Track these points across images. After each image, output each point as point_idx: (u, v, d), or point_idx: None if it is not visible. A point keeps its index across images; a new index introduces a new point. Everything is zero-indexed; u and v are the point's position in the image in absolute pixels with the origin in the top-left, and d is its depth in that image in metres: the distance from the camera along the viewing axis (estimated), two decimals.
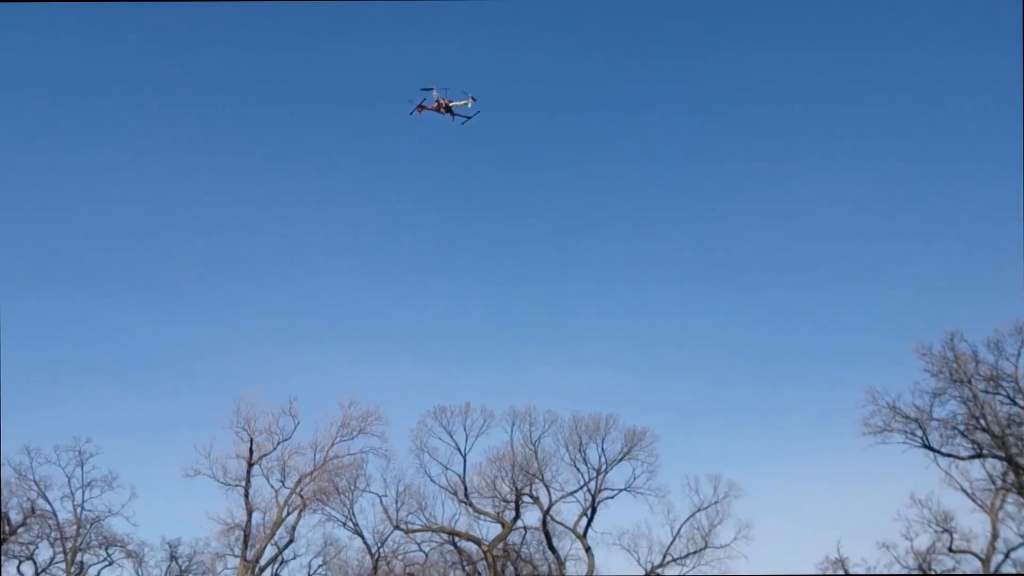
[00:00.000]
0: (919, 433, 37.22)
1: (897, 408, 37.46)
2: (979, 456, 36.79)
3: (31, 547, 52.98)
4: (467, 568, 40.35)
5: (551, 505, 38.62)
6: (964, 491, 37.24)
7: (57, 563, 53.39)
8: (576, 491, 39.12)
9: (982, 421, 36.03)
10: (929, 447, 37.44)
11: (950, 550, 39.69)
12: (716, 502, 39.06)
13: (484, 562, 37.66)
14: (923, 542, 40.48)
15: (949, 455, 37.24)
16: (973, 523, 47.80)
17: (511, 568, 39.61)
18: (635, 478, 39.22)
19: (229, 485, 47.35)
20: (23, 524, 49.11)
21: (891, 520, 40.79)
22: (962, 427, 36.82)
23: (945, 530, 39.39)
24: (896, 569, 41.81)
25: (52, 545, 52.72)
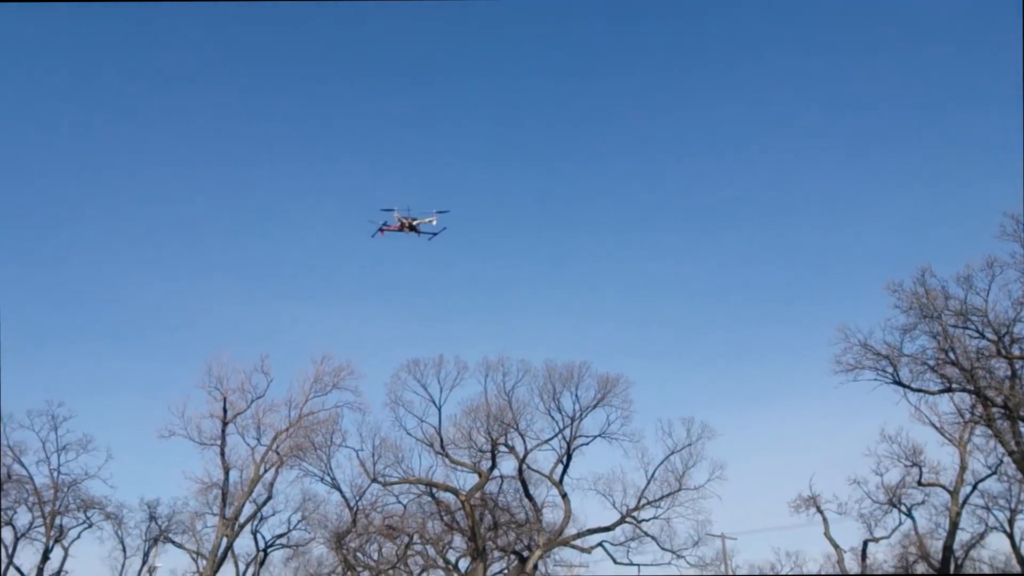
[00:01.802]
0: (890, 370, 37.41)
1: (868, 345, 37.54)
2: (948, 390, 37.05)
3: (9, 513, 52.78)
4: (446, 518, 40.65)
5: (527, 454, 38.80)
6: (933, 425, 37.63)
7: (36, 527, 53.32)
8: (551, 439, 39.28)
9: (951, 355, 36.20)
10: (899, 383, 37.61)
11: (919, 483, 40.29)
12: (690, 444, 39.32)
13: (462, 511, 37.85)
14: (893, 476, 41.08)
15: (919, 390, 37.45)
16: (942, 456, 48.80)
17: (489, 516, 39.91)
18: (609, 424, 39.40)
19: (204, 444, 47.25)
20: (0, 490, 48.84)
21: (862, 456, 41.34)
22: (932, 362, 37.01)
23: (914, 464, 39.91)
24: (866, 504, 42.52)
25: (30, 510, 52.60)
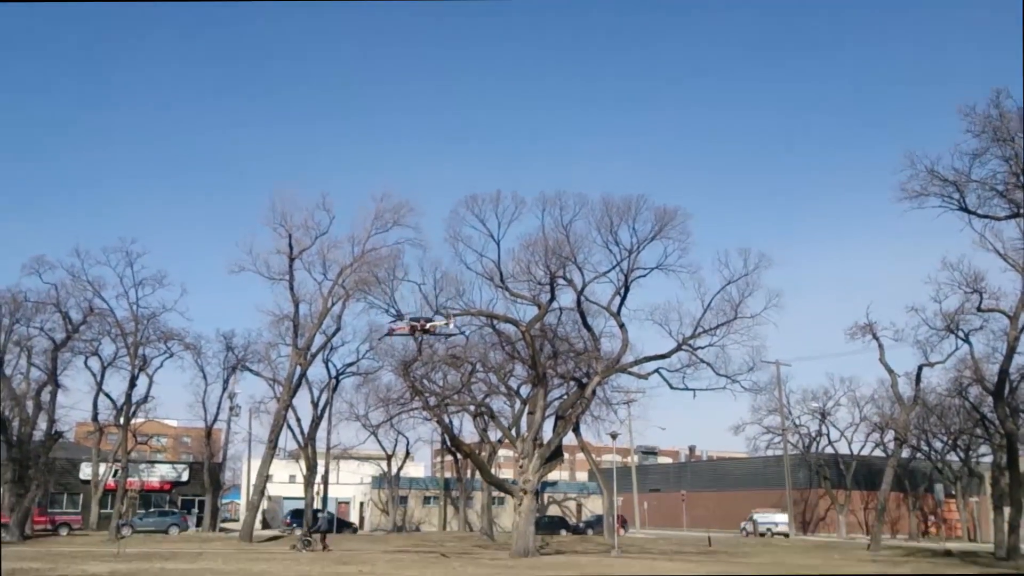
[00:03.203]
0: (956, 196, 36.38)
1: (935, 172, 36.34)
2: (1016, 216, 36.01)
3: (94, 343, 56.09)
4: (507, 348, 41.93)
5: (584, 286, 39.26)
6: (997, 251, 36.80)
7: (121, 357, 56.71)
8: (608, 271, 39.49)
9: (1022, 179, 35.13)
10: (965, 209, 36.66)
11: (979, 309, 40.00)
12: (746, 274, 39.10)
13: (523, 342, 38.90)
14: (952, 304, 40.88)
15: (985, 216, 36.46)
16: (1004, 283, 48.13)
17: (549, 346, 41.02)
18: (666, 256, 39.33)
19: (274, 279, 48.92)
20: (84, 322, 51.64)
21: (921, 285, 41.04)
22: (1001, 187, 35.84)
23: (975, 290, 39.44)
24: (923, 330, 42.60)
25: (114, 341, 55.81)
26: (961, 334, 42.31)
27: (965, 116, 34.45)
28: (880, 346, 46.06)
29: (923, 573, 27.82)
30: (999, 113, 34.27)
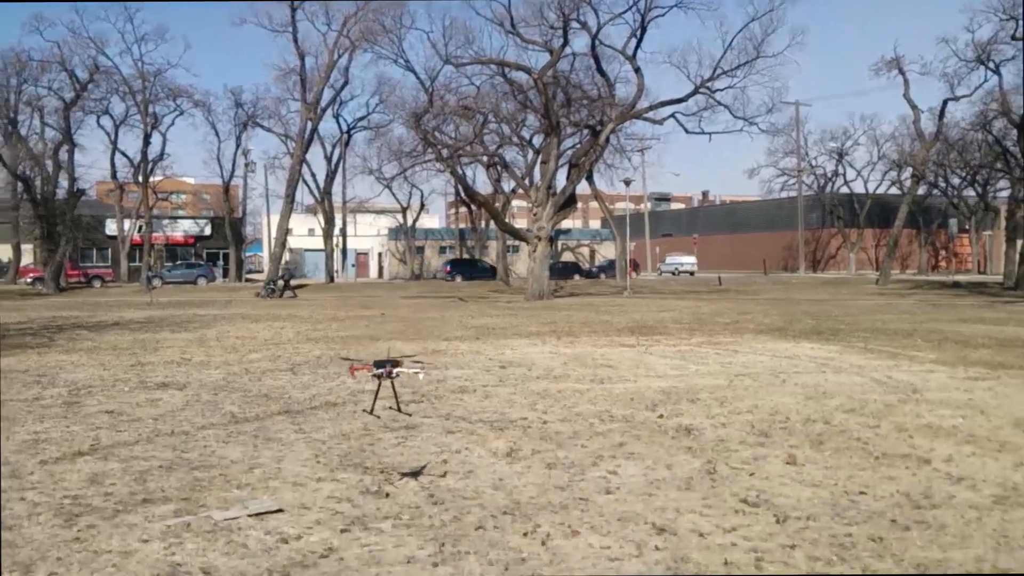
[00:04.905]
0: None
1: None
2: None
3: (104, 102, 55.62)
4: (519, 97, 41.09)
5: (599, 28, 37.51)
6: None
7: (132, 116, 56.35)
8: (624, 12, 37.51)
9: None
10: None
11: (1012, 38, 38.39)
12: (771, 10, 36.91)
13: (535, 90, 38.01)
14: (985, 33, 39.36)
15: None
16: None
17: (562, 94, 40.10)
18: None
19: (276, 31, 47.53)
20: (91, 80, 50.92)
21: (955, 13, 39.36)
22: None
23: (1011, 17, 37.63)
24: (952, 63, 41.26)
25: (123, 99, 55.27)
26: (992, 65, 41.08)
27: None
28: (905, 80, 45.00)
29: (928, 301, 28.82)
30: None
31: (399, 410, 8.64)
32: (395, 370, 8.84)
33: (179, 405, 9.53)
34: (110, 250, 66.22)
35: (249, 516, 5.26)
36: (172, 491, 5.89)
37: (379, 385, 8.99)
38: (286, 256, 47.31)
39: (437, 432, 7.99)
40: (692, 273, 74.26)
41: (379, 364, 9.04)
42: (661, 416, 8.74)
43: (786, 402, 9.57)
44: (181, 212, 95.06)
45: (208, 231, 71.38)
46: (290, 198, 48.61)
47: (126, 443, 7.48)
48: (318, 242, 66.54)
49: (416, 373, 9.33)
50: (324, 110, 52.09)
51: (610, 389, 10.63)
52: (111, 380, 11.64)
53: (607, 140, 39.90)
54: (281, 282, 42.08)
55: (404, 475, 6.29)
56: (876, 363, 13.12)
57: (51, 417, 8.78)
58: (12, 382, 11.36)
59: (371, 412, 8.52)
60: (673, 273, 74.89)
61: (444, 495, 5.80)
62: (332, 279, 60.52)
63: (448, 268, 65.36)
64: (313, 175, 60.20)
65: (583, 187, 47.20)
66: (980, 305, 29.19)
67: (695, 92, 38.72)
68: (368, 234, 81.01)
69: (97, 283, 55.62)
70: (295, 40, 46.74)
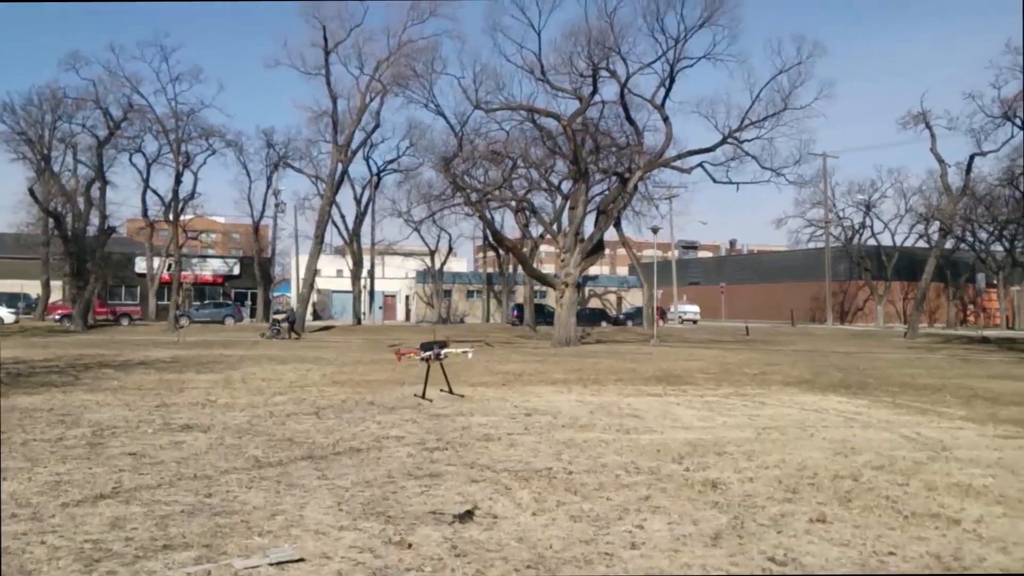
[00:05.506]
0: None
1: None
2: None
3: (137, 141, 56.67)
4: (548, 143, 41.42)
5: (628, 78, 37.87)
6: None
7: (165, 154, 57.32)
8: (654, 62, 37.91)
9: None
10: None
11: None
12: (799, 63, 37.26)
13: (564, 136, 38.30)
14: (1011, 89, 39.32)
15: None
16: None
17: (590, 141, 40.38)
18: (715, 44, 37.57)
19: (310, 74, 48.23)
20: (125, 119, 51.88)
21: (981, 71, 39.41)
22: None
23: None
24: (978, 118, 41.15)
25: (156, 138, 56.28)
26: (1018, 121, 40.92)
27: None
28: (932, 135, 44.85)
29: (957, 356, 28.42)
30: None
31: (450, 391, 8.48)
32: (443, 351, 8.73)
33: (203, 448, 9.53)
34: (139, 288, 66.98)
35: (270, 565, 5.21)
36: (193, 537, 5.85)
37: (428, 368, 8.86)
38: (313, 296, 47.61)
39: (461, 481, 7.91)
40: (695, 322, 75.74)
41: (426, 347, 8.99)
42: (687, 469, 8.61)
43: (814, 457, 9.41)
44: (211, 251, 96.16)
45: (237, 270, 72.06)
46: (319, 239, 49.02)
47: (148, 486, 7.47)
48: (346, 283, 66.94)
49: (464, 352, 9.23)
50: (355, 152, 52.76)
51: (636, 440, 10.51)
52: (135, 421, 11.68)
53: (635, 187, 40.01)
54: (286, 324, 42.37)
55: (456, 517, 6.26)
56: (905, 418, 12.90)
57: (74, 458, 8.80)
58: (36, 421, 11.44)
59: (423, 396, 8.36)
60: (679, 320, 75.35)
61: (467, 547, 5.72)
62: (359, 321, 60.75)
63: (516, 313, 66.67)
64: (343, 216, 60.79)
65: (611, 234, 47.25)
66: (1010, 361, 28.70)
67: (723, 142, 38.85)
68: (396, 276, 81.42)
69: (125, 321, 56.20)
70: (328, 83, 47.51)
